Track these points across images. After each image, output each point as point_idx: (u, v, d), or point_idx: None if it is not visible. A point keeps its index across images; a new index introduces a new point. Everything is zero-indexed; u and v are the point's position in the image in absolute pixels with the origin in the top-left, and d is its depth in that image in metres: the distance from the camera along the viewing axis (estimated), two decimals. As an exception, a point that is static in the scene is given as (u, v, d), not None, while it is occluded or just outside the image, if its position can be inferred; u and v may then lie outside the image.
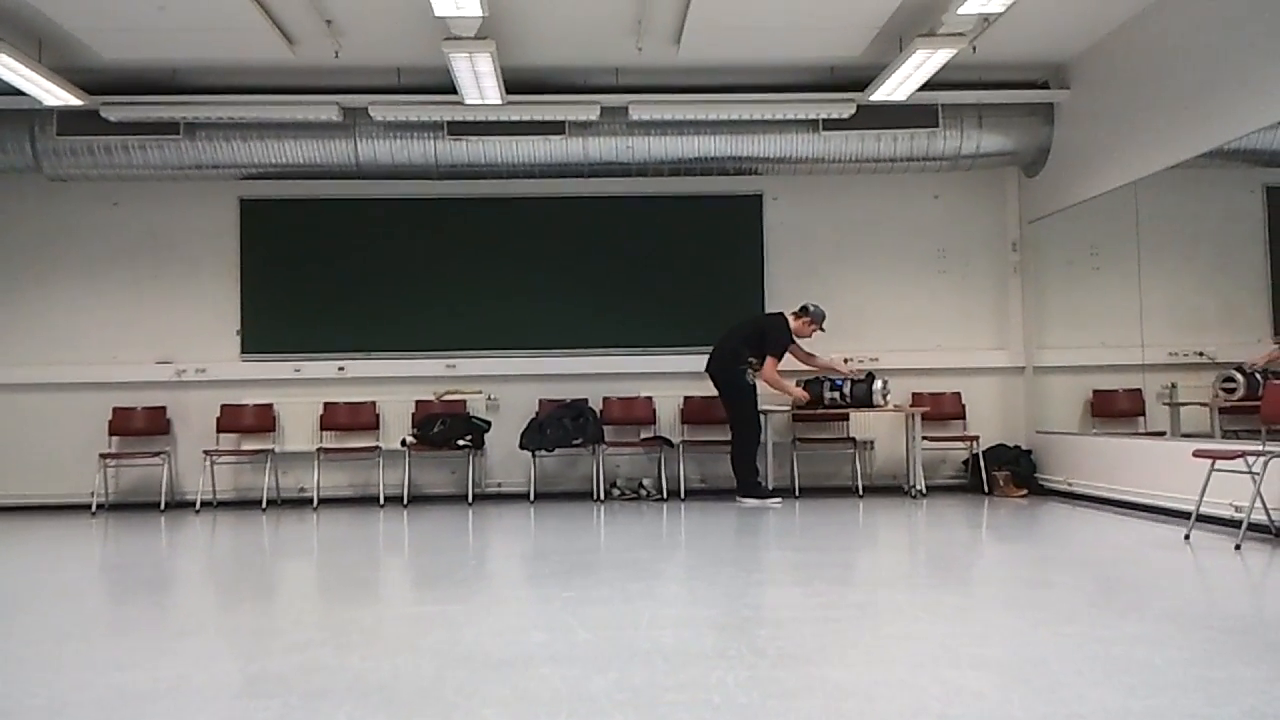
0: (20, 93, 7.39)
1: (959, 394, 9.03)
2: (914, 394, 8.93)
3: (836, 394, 8.23)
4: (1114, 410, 7.85)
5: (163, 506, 8.51)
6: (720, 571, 4.90)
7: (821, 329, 8.19)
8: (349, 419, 8.84)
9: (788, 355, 8.10)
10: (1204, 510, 5.76)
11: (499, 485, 8.92)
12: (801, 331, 8.14)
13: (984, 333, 9.18)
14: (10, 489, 8.68)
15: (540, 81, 8.17)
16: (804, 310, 8.18)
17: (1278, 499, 5.62)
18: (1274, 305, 6.17)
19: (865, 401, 8.19)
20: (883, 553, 5.67)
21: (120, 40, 7.21)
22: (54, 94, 7.40)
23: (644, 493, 8.69)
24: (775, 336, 8.01)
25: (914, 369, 8.99)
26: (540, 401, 8.85)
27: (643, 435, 8.87)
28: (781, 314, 8.20)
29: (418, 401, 8.88)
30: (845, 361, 8.48)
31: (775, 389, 8.03)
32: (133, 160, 8.25)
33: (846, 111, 8.13)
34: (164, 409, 8.81)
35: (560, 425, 8.51)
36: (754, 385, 8.04)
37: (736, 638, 3.50)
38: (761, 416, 8.18)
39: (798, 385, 8.36)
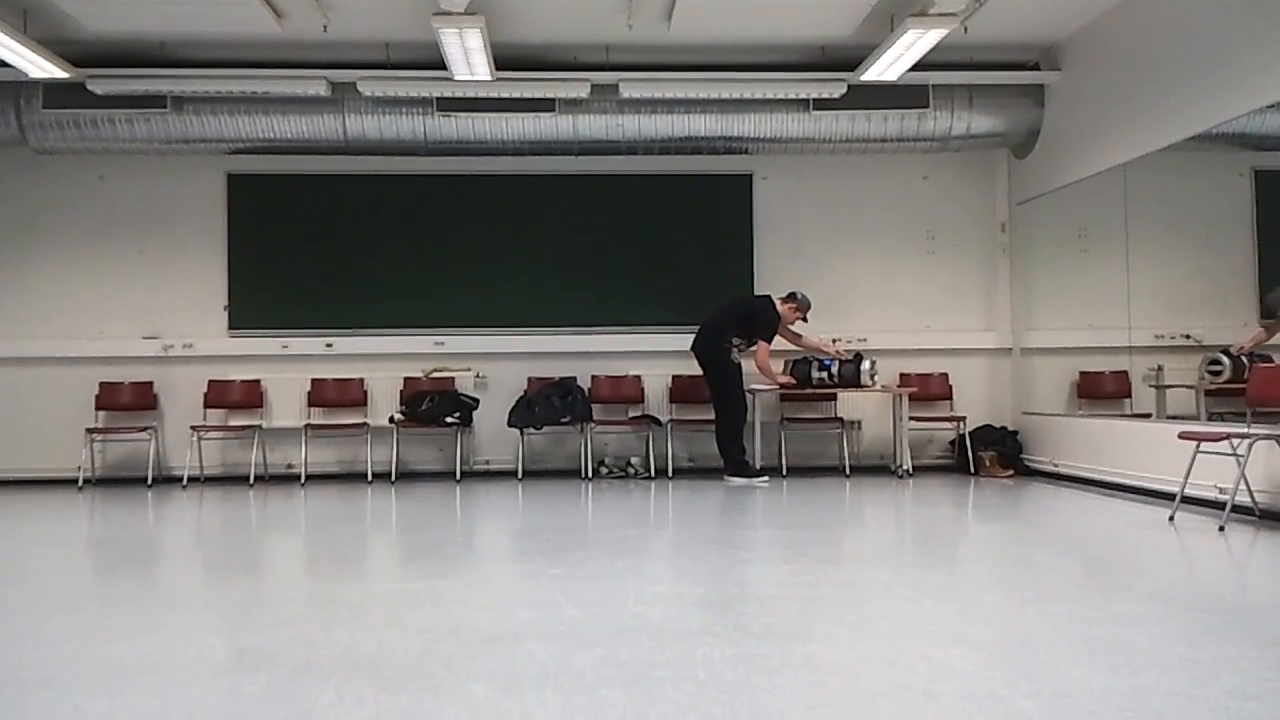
0: (5, 65, 7.32)
1: (946, 375, 9.05)
2: (901, 374, 8.95)
3: (824, 374, 8.25)
4: (1100, 392, 7.88)
5: (150, 482, 8.49)
6: (707, 549, 4.92)
7: (805, 319, 8.22)
8: (337, 395, 8.83)
9: (779, 335, 8.13)
10: (1189, 492, 5.80)
11: (487, 463, 8.93)
12: (788, 317, 8.16)
13: (972, 314, 9.20)
14: (-4, 463, 8.66)
15: (530, 58, 8.13)
16: (792, 296, 8.19)
17: (1262, 481, 5.66)
18: (1260, 288, 6.19)
19: (853, 382, 8.21)
20: (869, 532, 5.70)
21: (106, 12, 7.14)
22: (40, 66, 7.34)
23: (632, 471, 8.70)
24: (764, 320, 8.02)
25: (902, 350, 9.01)
26: (529, 379, 8.84)
27: (631, 414, 8.87)
28: (769, 297, 8.21)
29: (406, 378, 8.86)
30: (833, 342, 8.49)
31: (764, 375, 8.04)
32: (119, 134, 8.18)
33: (837, 91, 8.10)
34: (151, 384, 8.78)
35: (549, 403, 8.51)
36: (739, 364, 8.06)
37: (723, 615, 3.51)
38: (749, 396, 8.20)
39: (786, 365, 8.39)
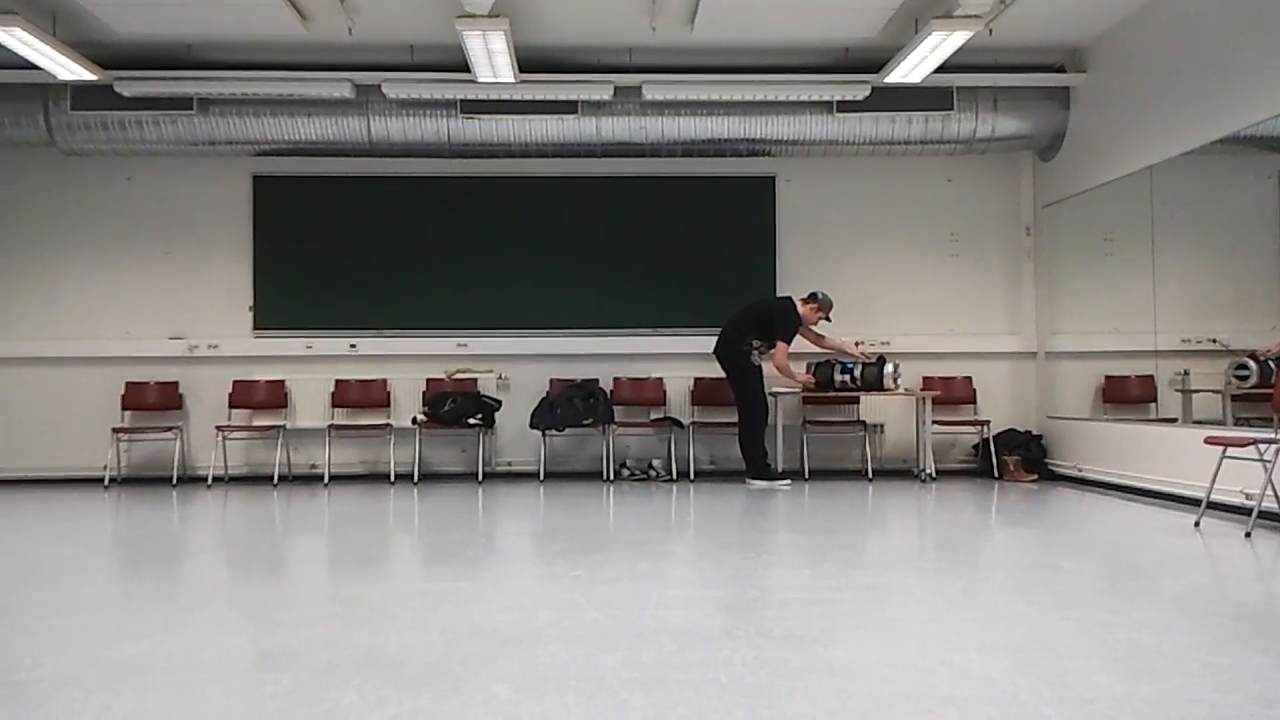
0: (34, 66, 7.40)
1: (970, 378, 9.01)
2: (925, 378, 8.91)
3: (847, 377, 8.22)
4: (1126, 396, 7.83)
5: (175, 481, 8.55)
6: (728, 553, 4.91)
7: (828, 318, 8.18)
8: (360, 396, 8.87)
9: (800, 337, 8.12)
10: (1214, 497, 5.75)
11: (509, 464, 8.95)
12: (809, 318, 8.13)
13: (996, 317, 9.15)
14: (24, 462, 8.73)
15: (553, 60, 8.15)
16: (813, 297, 8.17)
17: (1289, 487, 5.61)
18: (1289, 293, 6.14)
19: (876, 385, 8.17)
20: (891, 536, 5.68)
21: (134, 14, 7.21)
22: (68, 68, 7.41)
23: (653, 473, 8.70)
24: (783, 321, 8.00)
25: (925, 353, 8.98)
26: (551, 381, 8.86)
27: (653, 416, 8.87)
28: (789, 298, 8.19)
29: (429, 380, 8.89)
30: (856, 345, 8.46)
31: (783, 375, 8.02)
32: (146, 135, 8.25)
33: (861, 93, 8.09)
34: (176, 384, 8.85)
35: (571, 405, 8.52)
36: (759, 367, 8.04)
37: (744, 618, 3.51)
38: (771, 399, 8.19)
39: (808, 368, 8.36)
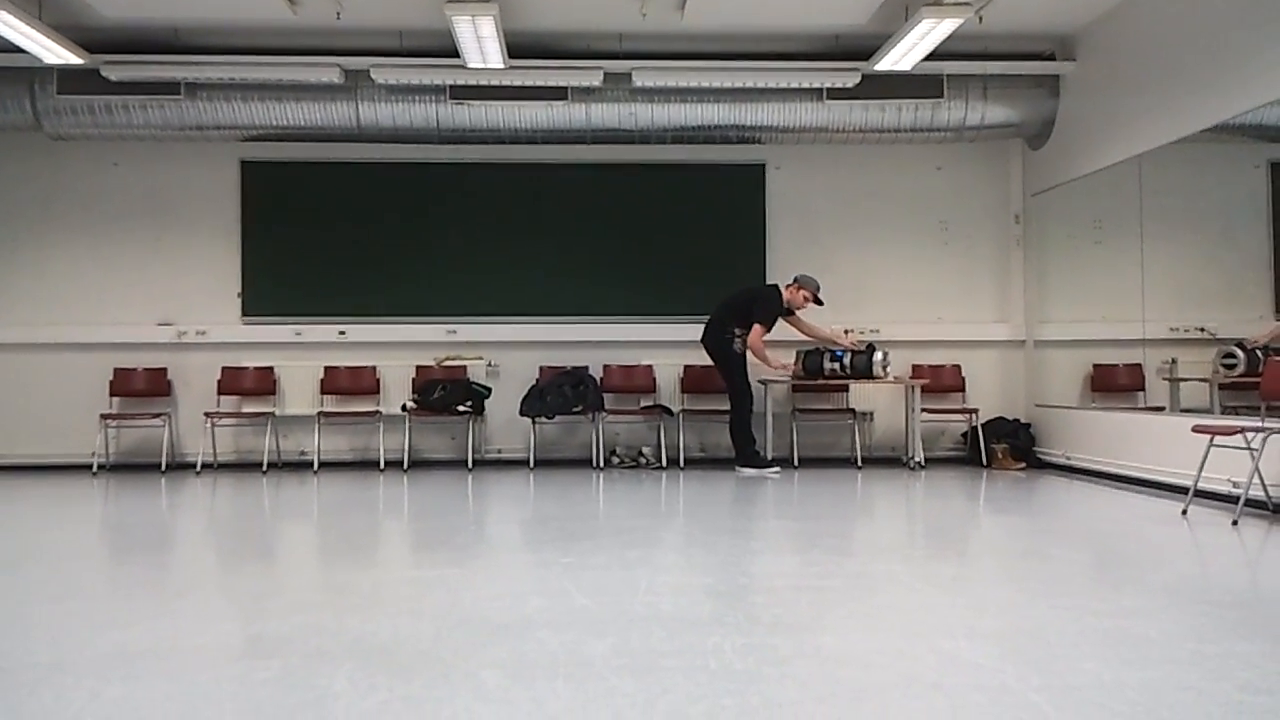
0: (21, 50, 7.34)
1: (959, 366, 9.03)
2: (914, 366, 8.93)
3: (836, 365, 8.23)
4: (1114, 385, 7.85)
5: (163, 468, 8.53)
6: (718, 540, 4.92)
7: (818, 301, 8.14)
8: (349, 383, 8.85)
9: (790, 326, 8.12)
10: (1202, 486, 5.78)
11: (499, 451, 8.94)
12: (794, 301, 8.11)
13: (985, 305, 9.17)
14: (11, 449, 8.69)
15: (543, 46, 8.12)
16: (795, 281, 8.16)
17: (1275, 475, 5.63)
18: (1276, 282, 6.16)
19: (865, 373, 8.18)
20: (880, 523, 5.69)
21: (121, -1, 7.17)
22: (54, 52, 7.35)
23: (643, 461, 8.70)
24: (763, 306, 7.98)
25: (914, 341, 8.99)
26: (541, 368, 8.85)
27: (643, 403, 8.87)
28: (775, 286, 8.19)
29: (418, 367, 8.88)
30: (846, 333, 8.46)
31: (757, 358, 7.98)
32: (133, 120, 8.20)
33: (851, 81, 8.07)
34: (165, 370, 8.81)
35: (560, 392, 8.52)
36: (743, 355, 8.04)
37: (733, 605, 3.52)
38: (760, 386, 8.19)
39: (797, 356, 8.35)
